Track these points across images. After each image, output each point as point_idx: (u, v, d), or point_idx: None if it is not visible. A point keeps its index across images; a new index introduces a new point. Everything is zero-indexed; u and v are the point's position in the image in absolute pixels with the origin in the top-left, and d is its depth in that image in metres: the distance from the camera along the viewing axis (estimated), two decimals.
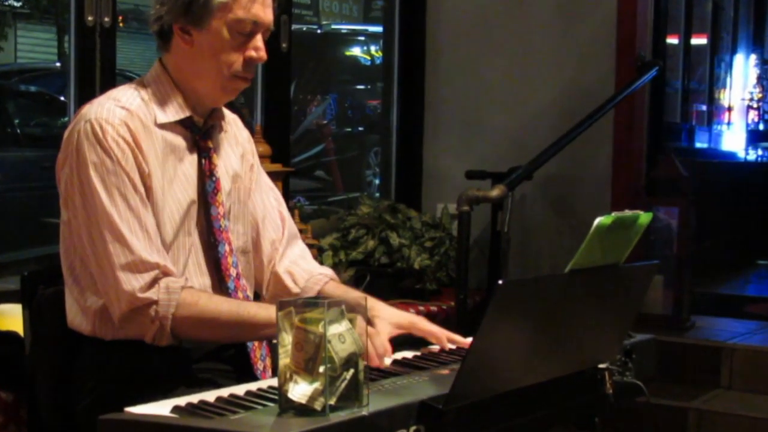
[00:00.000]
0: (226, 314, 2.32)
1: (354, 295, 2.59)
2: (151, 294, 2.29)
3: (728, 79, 9.44)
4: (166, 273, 2.32)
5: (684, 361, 4.93)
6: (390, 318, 2.49)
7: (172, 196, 2.42)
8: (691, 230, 5.34)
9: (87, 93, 4.00)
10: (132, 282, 2.28)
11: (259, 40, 2.45)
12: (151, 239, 2.33)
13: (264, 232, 2.69)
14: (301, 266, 2.71)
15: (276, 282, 2.68)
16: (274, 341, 1.99)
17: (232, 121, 2.68)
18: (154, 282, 2.30)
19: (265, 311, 2.32)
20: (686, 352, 4.96)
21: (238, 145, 2.66)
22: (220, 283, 2.49)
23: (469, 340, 2.43)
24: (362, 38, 10.11)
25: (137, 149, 2.35)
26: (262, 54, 2.45)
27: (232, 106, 2.74)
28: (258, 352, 2.50)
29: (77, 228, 2.36)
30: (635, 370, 2.27)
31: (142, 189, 2.34)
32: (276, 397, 1.84)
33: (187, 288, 2.33)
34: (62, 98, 6.64)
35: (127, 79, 5.51)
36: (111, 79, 4.16)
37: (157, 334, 2.31)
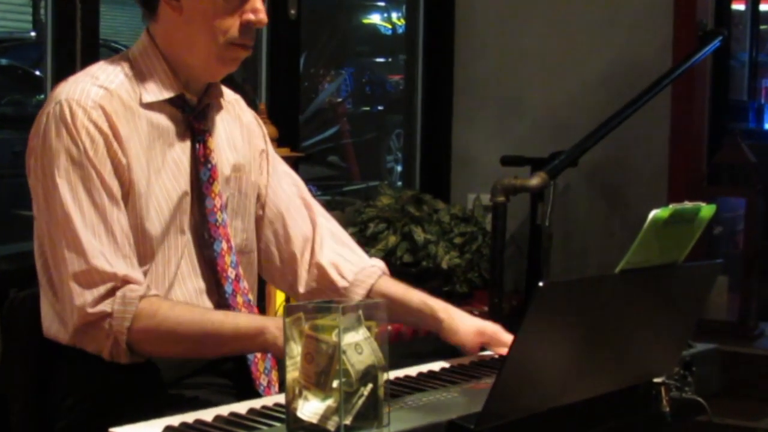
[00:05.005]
0: (187, 326, 2.30)
1: (415, 295, 2.59)
2: (105, 306, 2.27)
3: None
4: (126, 282, 2.29)
5: (751, 374, 4.92)
6: (471, 326, 2.49)
7: (160, 187, 2.40)
8: (760, 225, 5.32)
9: (66, 67, 4.00)
10: (85, 295, 2.27)
11: (257, 1, 2.44)
12: (117, 244, 2.31)
13: (291, 222, 2.68)
14: (346, 257, 2.69)
15: (320, 276, 2.66)
16: None
17: (233, 101, 2.67)
18: (109, 294, 2.28)
19: (233, 321, 2.31)
20: (754, 364, 4.95)
21: (242, 129, 2.64)
22: (217, 287, 2.48)
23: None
24: (382, 4, 10.09)
25: (113, 137, 2.33)
26: (262, 17, 2.44)
27: (234, 84, 2.73)
28: (261, 365, 2.49)
29: (41, 226, 2.36)
30: (696, 384, 2.26)
31: (114, 185, 2.32)
32: (283, 416, 1.84)
33: (148, 297, 2.30)
34: (37, 72, 6.64)
35: (113, 51, 5.51)
36: (93, 51, 4.15)
37: (113, 350, 2.29)
